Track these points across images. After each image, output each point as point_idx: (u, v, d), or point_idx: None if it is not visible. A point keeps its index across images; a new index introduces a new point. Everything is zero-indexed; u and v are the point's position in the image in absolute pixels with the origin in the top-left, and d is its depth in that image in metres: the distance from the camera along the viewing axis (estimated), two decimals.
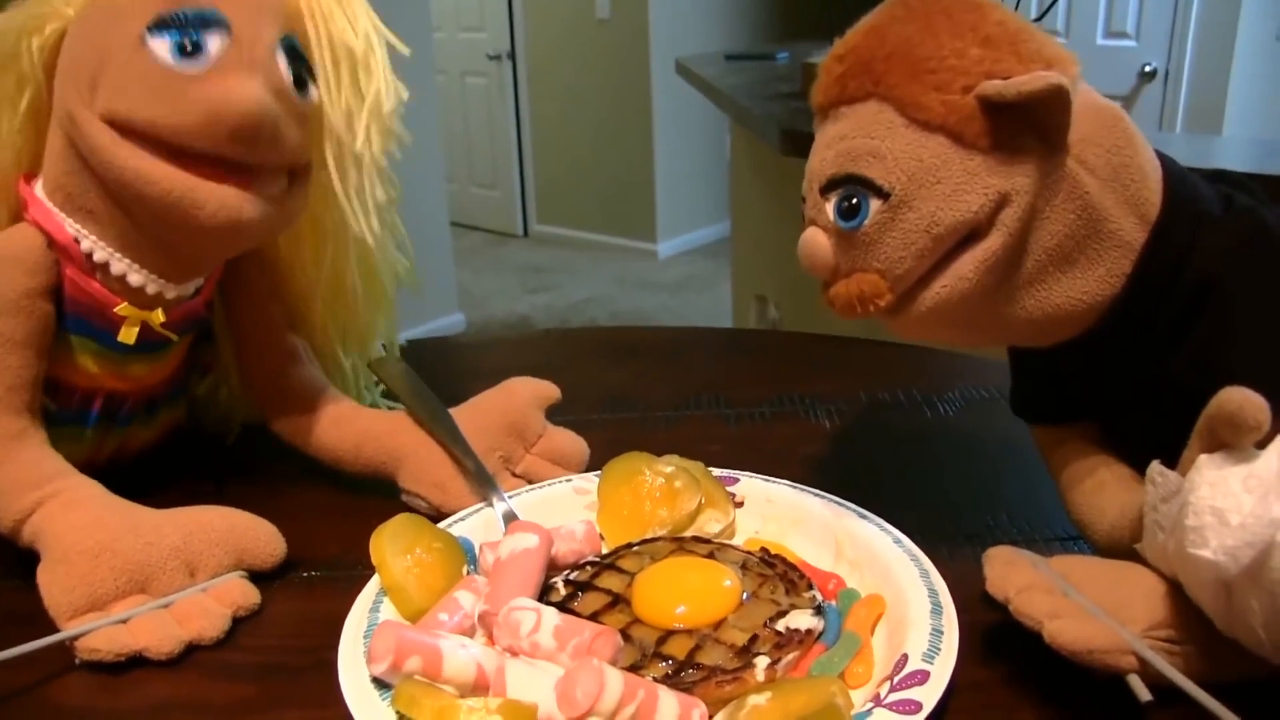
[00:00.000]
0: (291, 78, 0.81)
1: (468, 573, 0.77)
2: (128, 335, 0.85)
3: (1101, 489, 0.75)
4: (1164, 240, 0.66)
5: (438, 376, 1.02)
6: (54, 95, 0.81)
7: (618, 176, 6.20)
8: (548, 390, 0.96)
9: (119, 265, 0.83)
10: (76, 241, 0.82)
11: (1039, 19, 2.61)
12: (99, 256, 0.82)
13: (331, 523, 0.90)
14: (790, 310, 2.96)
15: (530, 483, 0.90)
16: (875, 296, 0.67)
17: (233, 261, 0.94)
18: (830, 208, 0.68)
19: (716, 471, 0.87)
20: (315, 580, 0.82)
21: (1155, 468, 0.61)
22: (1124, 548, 0.69)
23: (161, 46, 0.76)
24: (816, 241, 0.69)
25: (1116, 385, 0.72)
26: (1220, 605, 0.56)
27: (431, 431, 0.91)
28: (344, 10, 0.86)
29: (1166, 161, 0.69)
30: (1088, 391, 0.76)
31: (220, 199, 0.78)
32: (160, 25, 0.76)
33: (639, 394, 1.17)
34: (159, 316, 0.86)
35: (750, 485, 0.87)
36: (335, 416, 0.95)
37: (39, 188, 0.83)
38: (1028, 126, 0.64)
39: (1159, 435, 0.63)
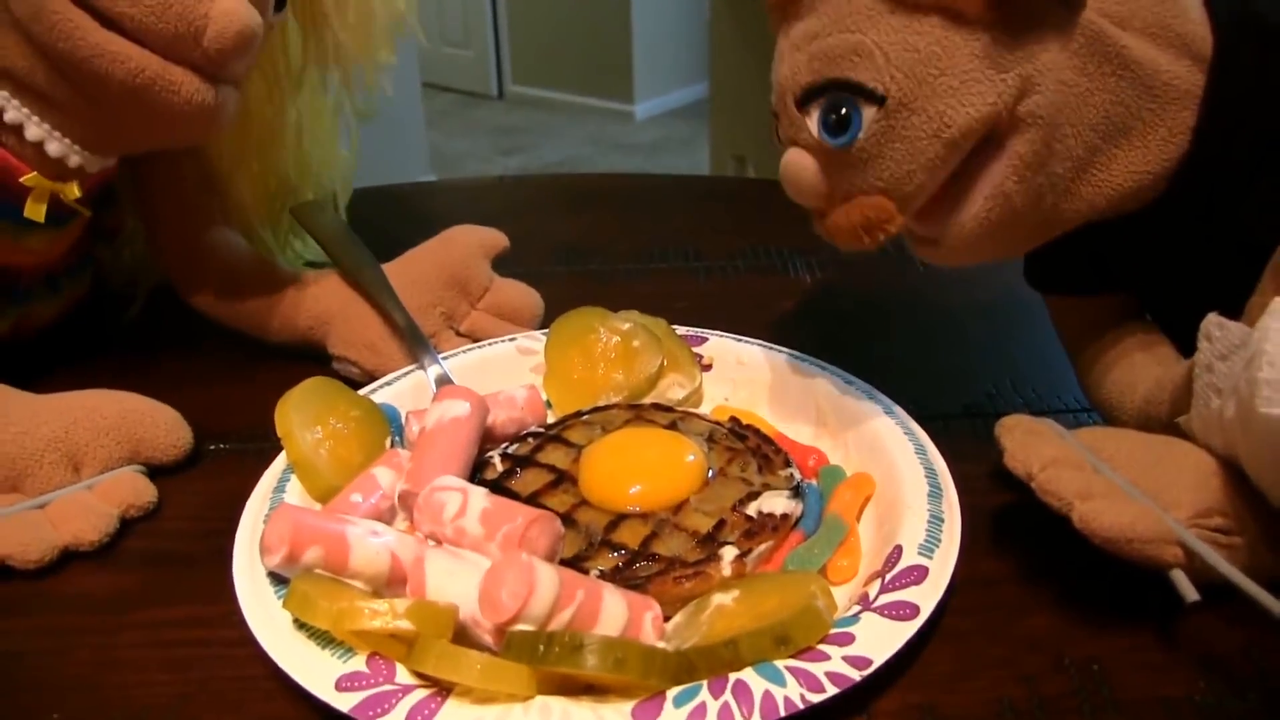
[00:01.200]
0: None
1: (391, 446, 0.71)
2: (34, 211, 0.76)
3: (1131, 364, 0.69)
4: (1228, 74, 0.59)
5: (376, 225, 0.97)
6: None
7: (595, 36, 6.18)
8: (493, 238, 0.89)
9: (36, 130, 0.74)
10: None
11: None
12: (11, 117, 0.73)
13: (244, 389, 0.84)
14: (769, 170, 2.93)
15: (475, 341, 0.84)
16: (884, 221, 0.59)
17: None
18: (813, 123, 0.59)
19: (681, 330, 0.82)
20: (223, 454, 0.76)
21: (1213, 320, 0.55)
22: (1159, 427, 0.63)
23: None
24: (801, 165, 0.61)
25: (1179, 253, 0.65)
26: None
27: (359, 286, 0.85)
28: None
29: None
30: (1137, 262, 0.68)
31: (195, 83, 0.71)
32: None
33: (598, 245, 1.12)
34: (74, 191, 0.77)
35: (720, 345, 0.81)
36: (257, 281, 0.88)
37: None
38: None
39: (1219, 306, 0.57)
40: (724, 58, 3.58)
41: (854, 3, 0.57)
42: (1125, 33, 0.57)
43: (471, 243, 0.88)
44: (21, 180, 0.75)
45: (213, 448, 0.76)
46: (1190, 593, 0.51)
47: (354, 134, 0.94)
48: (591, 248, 1.10)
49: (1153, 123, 0.59)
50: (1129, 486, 0.55)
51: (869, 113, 0.57)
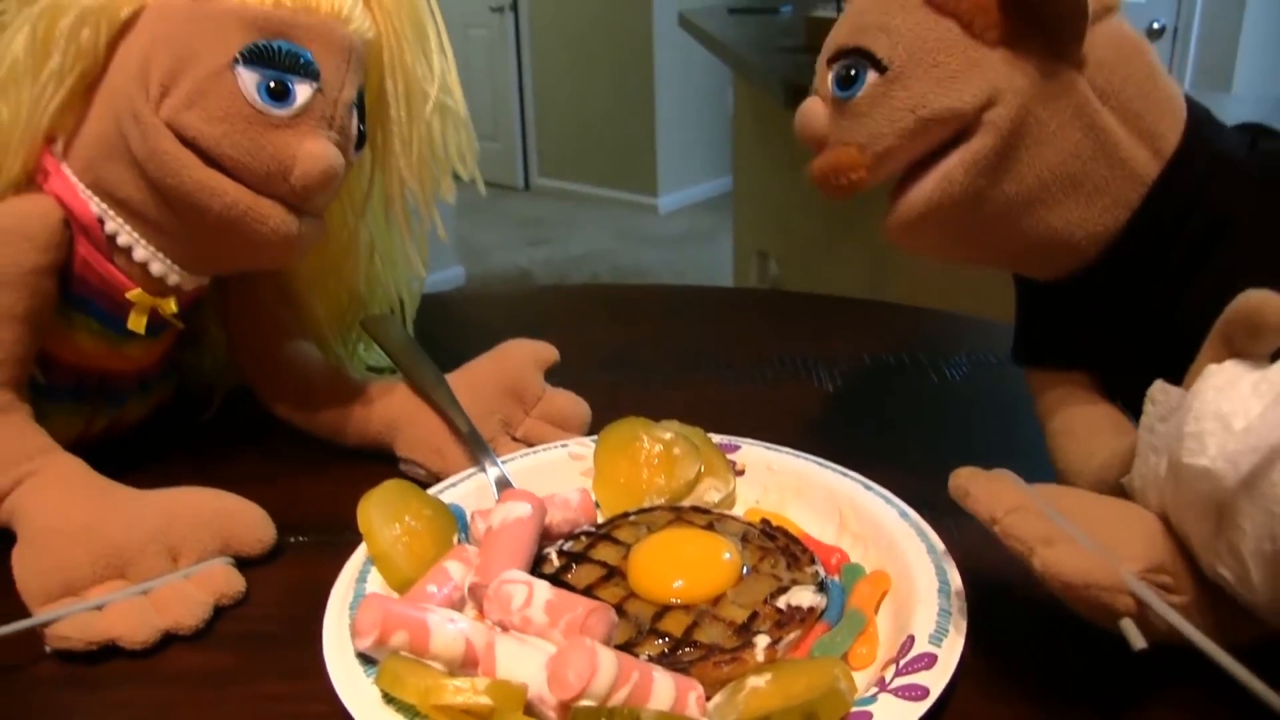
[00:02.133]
0: (355, 135, 0.83)
1: (458, 541, 0.75)
2: (136, 323, 0.83)
3: (1094, 434, 0.74)
4: (1177, 175, 0.66)
5: (433, 334, 1.01)
6: (108, 77, 0.78)
7: (619, 130, 6.18)
8: (545, 351, 0.94)
9: (143, 252, 0.81)
10: (100, 222, 0.80)
11: None
12: (123, 240, 0.81)
13: (318, 485, 0.88)
14: (791, 267, 2.95)
15: (529, 445, 0.89)
16: (850, 169, 0.68)
17: None
18: (831, 75, 0.69)
19: (717, 438, 0.85)
20: (302, 546, 0.80)
21: (1157, 385, 0.60)
22: (1110, 491, 0.66)
23: (250, 80, 0.75)
24: (813, 110, 0.70)
25: (1118, 331, 0.71)
26: (1210, 531, 0.53)
27: (426, 396, 0.90)
28: (423, 63, 0.88)
29: (1193, 104, 0.69)
30: (1088, 336, 0.74)
31: (282, 214, 0.78)
32: (253, 58, 0.75)
33: (637, 354, 1.15)
34: (171, 306, 0.84)
35: (751, 453, 0.85)
36: (332, 391, 0.93)
37: (64, 163, 0.80)
38: (1040, 30, 0.63)
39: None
40: (747, 155, 3.57)
41: None
42: (1103, 105, 0.65)
43: (526, 355, 0.92)
44: (127, 295, 0.81)
45: (292, 540, 0.79)
46: (1138, 640, 0.53)
47: (423, 250, 0.99)
48: (630, 356, 1.14)
49: (1102, 186, 0.66)
50: (1085, 538, 0.56)
51: (872, 76, 0.66)
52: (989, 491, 0.60)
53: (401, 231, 0.95)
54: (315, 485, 0.88)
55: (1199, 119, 0.68)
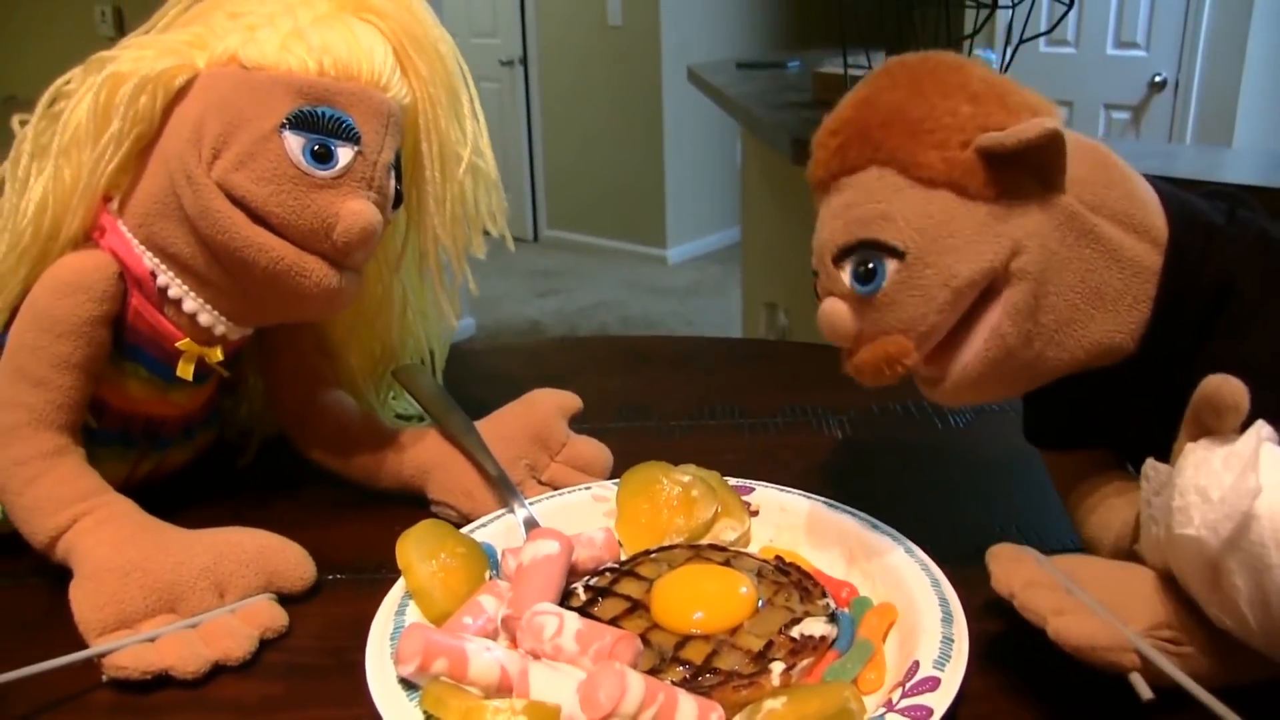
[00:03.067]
0: (393, 195, 0.86)
1: (490, 577, 0.78)
2: (185, 371, 0.87)
3: (1110, 508, 0.77)
4: (1180, 256, 0.68)
5: (458, 383, 1.04)
6: (162, 140, 0.83)
7: (628, 182, 6.20)
8: (570, 400, 0.98)
9: (192, 304, 0.85)
10: (152, 275, 0.84)
11: (1050, 30, 2.62)
12: (174, 293, 0.85)
13: (352, 525, 0.92)
14: (800, 317, 2.96)
15: (555, 489, 0.92)
16: (901, 356, 0.68)
17: None
18: (846, 275, 0.69)
19: (732, 481, 0.89)
20: (339, 583, 0.84)
21: (1149, 463, 0.63)
22: (1127, 557, 0.71)
23: (296, 144, 0.79)
24: (836, 311, 0.70)
25: (1146, 406, 0.73)
26: (1208, 589, 0.58)
27: (457, 442, 0.93)
28: (456, 127, 0.92)
29: (1159, 185, 0.72)
30: (1114, 416, 0.77)
31: (324, 269, 0.82)
32: (299, 123, 0.79)
33: (653, 403, 1.18)
34: (217, 354, 0.88)
35: (765, 495, 0.88)
36: (367, 438, 0.96)
37: (120, 221, 0.84)
38: (1027, 173, 0.66)
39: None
40: (755, 207, 3.55)
41: (882, 181, 0.68)
42: (1097, 216, 0.67)
43: (551, 404, 0.96)
44: (176, 345, 0.85)
45: (330, 578, 0.83)
46: (1145, 692, 0.58)
47: (454, 303, 1.02)
48: (646, 405, 1.17)
49: (1122, 290, 0.68)
50: (1094, 603, 0.61)
51: (891, 265, 0.67)
52: (1007, 570, 0.66)
53: (435, 285, 0.99)
54: (350, 527, 0.92)
55: (1173, 200, 0.71)
